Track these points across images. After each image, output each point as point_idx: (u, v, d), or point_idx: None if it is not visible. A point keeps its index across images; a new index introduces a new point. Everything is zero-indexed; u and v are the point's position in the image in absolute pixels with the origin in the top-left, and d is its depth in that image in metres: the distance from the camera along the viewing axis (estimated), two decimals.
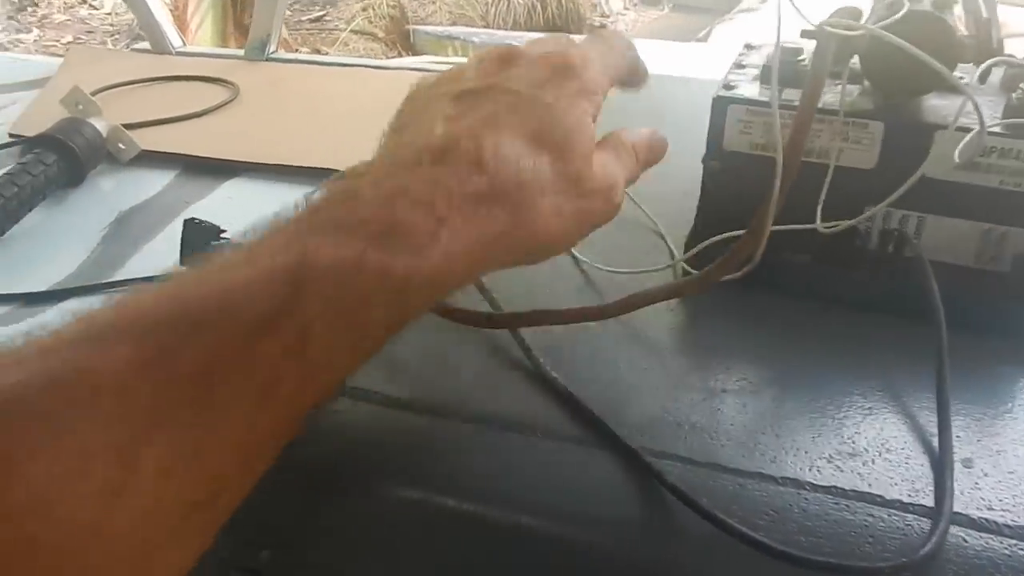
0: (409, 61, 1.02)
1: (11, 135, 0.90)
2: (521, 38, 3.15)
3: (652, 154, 0.43)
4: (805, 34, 0.47)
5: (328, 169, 0.79)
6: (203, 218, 0.60)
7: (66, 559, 0.24)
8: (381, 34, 3.73)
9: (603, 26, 4.24)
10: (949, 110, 0.49)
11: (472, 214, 0.33)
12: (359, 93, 1.00)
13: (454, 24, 3.41)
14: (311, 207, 0.32)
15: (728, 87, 0.52)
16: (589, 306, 0.44)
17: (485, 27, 3.40)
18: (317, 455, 0.41)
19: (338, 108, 0.96)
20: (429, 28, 3.38)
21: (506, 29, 3.47)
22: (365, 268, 0.30)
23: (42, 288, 0.62)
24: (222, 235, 0.60)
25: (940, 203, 0.50)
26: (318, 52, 3.78)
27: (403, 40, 3.54)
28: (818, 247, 0.51)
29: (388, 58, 3.48)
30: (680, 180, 0.65)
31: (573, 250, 0.55)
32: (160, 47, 1.18)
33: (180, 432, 0.26)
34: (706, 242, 0.52)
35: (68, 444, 0.24)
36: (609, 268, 0.54)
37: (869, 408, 0.44)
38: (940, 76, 0.44)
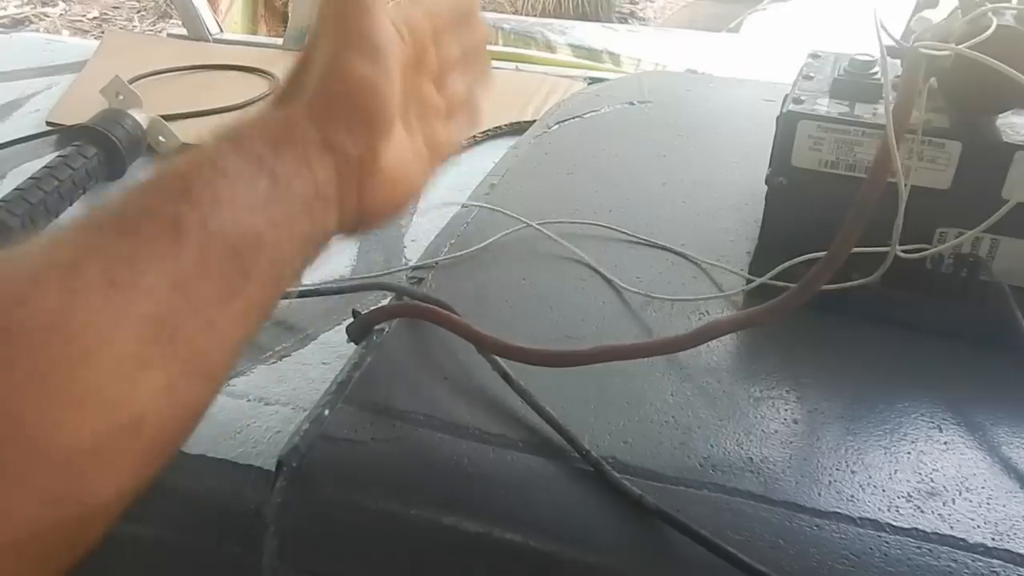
0: None
1: (48, 123, 0.89)
2: (551, 25, 3.11)
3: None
4: (891, 52, 0.45)
5: None
6: None
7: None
8: None
9: (632, 13, 4.20)
10: None
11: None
12: None
13: (483, 10, 3.38)
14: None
15: (797, 101, 0.51)
16: (659, 339, 0.42)
17: (515, 13, 3.37)
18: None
19: None
20: None
21: (535, 15, 3.44)
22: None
23: None
24: None
25: (1017, 225, 0.48)
26: None
27: None
28: (887, 270, 0.49)
29: None
30: (724, 193, 0.64)
31: (618, 279, 0.54)
32: (197, 33, 1.17)
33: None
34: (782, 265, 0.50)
35: None
36: (665, 296, 0.52)
37: (946, 443, 0.42)
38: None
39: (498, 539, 0.38)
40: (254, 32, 2.76)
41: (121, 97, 0.81)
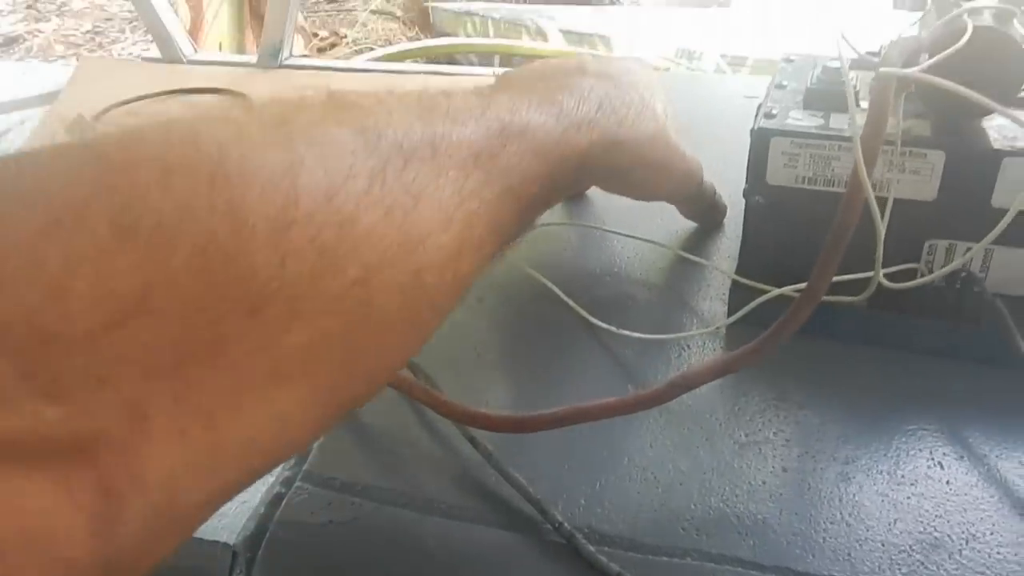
0: (427, 66, 1.01)
1: None
2: (540, 11, 3.06)
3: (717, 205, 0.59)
4: (855, 65, 0.42)
5: None
6: None
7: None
8: (399, 13, 3.66)
9: None
10: (1018, 132, 0.45)
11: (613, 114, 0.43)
12: None
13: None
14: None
15: (769, 115, 0.48)
16: (630, 397, 0.39)
17: (504, 1, 3.31)
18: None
19: None
20: (447, 5, 3.30)
21: (525, 2, 3.39)
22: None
23: None
24: None
25: (1009, 233, 0.45)
26: (336, 35, 3.73)
27: (422, 19, 3.47)
28: (874, 289, 0.46)
29: (408, 38, 3.40)
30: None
31: (593, 318, 0.51)
32: (171, 56, 1.15)
33: (489, 206, 0.33)
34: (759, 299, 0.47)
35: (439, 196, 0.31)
36: (641, 335, 0.49)
37: (948, 482, 0.39)
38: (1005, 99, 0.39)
39: None
40: (241, 40, 2.73)
41: (85, 135, 0.79)
